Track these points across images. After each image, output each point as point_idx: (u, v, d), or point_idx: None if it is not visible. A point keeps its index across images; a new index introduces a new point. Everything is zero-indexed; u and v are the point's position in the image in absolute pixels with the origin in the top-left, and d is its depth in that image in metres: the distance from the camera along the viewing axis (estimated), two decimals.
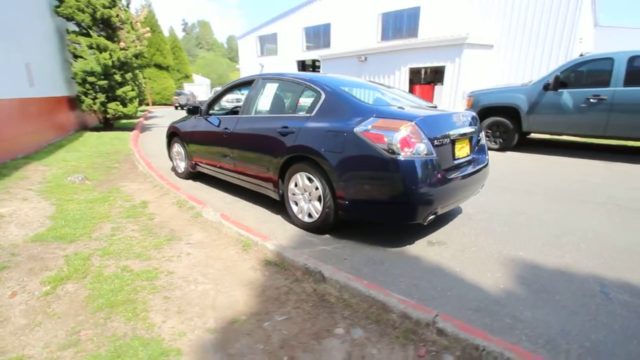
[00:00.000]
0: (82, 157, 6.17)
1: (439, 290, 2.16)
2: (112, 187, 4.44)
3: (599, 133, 5.81)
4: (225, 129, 3.80)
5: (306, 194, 3.03)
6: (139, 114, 12.97)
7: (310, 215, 3.03)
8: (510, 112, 6.68)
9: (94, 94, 8.82)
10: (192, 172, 4.83)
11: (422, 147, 2.44)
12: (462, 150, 2.88)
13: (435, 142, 2.53)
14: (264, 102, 3.60)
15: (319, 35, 20.86)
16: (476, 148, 3.15)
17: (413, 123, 2.46)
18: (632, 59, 5.34)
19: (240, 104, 3.94)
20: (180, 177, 5.02)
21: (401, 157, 2.38)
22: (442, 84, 13.25)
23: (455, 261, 2.52)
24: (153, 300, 1.95)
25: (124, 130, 10.07)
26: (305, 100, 3.25)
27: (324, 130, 2.78)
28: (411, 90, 14.04)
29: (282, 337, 1.71)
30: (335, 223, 2.90)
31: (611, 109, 5.50)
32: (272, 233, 2.98)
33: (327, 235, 2.99)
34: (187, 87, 31.27)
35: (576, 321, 1.86)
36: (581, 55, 6.14)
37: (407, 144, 2.41)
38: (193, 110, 4.43)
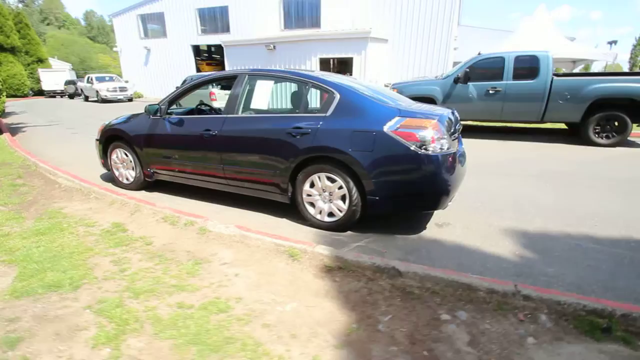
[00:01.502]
0: None
1: (480, 264, 2.55)
2: (47, 211, 3.50)
3: (496, 118, 7.29)
4: (207, 130, 3.42)
5: (325, 194, 3.04)
6: None
7: (331, 215, 3.07)
8: (428, 102, 7.70)
9: None
10: (146, 182, 4.19)
11: (444, 142, 2.75)
12: (457, 142, 3.33)
13: (452, 137, 2.89)
14: (259, 100, 3.37)
15: (215, 19, 19.40)
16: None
17: (436, 121, 2.74)
18: (517, 58, 6.83)
19: (204, 101, 3.58)
20: (129, 189, 4.29)
21: (431, 152, 2.65)
22: (350, 74, 14.15)
23: (469, 238, 2.97)
24: (254, 331, 1.77)
25: None
26: (311, 99, 3.20)
27: (348, 130, 2.82)
28: None
29: (404, 334, 1.80)
30: (359, 219, 3.02)
31: (504, 98, 6.95)
32: (295, 237, 2.91)
33: (350, 232, 3.09)
34: (43, 74, 25.37)
35: (581, 269, 2.48)
36: (478, 53, 7.47)
37: (433, 140, 2.68)
38: (149, 110, 3.81)
